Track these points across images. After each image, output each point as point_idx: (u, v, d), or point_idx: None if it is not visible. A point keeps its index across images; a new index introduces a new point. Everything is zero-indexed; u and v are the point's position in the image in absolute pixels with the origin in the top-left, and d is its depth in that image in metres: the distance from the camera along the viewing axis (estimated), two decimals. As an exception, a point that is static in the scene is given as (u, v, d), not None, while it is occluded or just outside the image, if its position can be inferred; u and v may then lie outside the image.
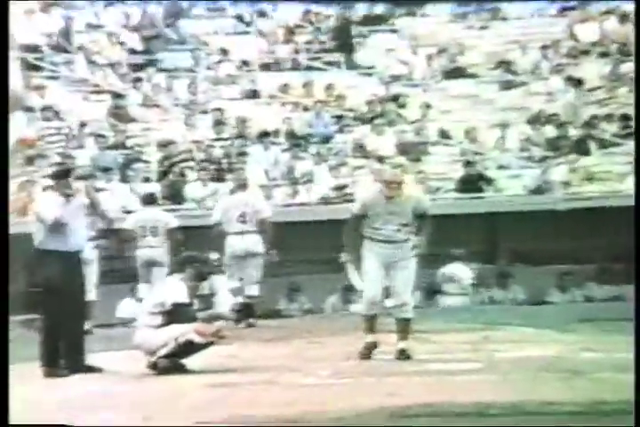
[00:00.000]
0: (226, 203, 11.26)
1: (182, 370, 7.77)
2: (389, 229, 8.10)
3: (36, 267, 7.99)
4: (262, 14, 19.00)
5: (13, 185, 12.47)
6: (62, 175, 8.15)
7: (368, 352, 8.10)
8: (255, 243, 10.91)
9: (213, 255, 8.19)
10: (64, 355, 7.94)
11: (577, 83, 17.17)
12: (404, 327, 8.16)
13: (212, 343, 7.79)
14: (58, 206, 7.93)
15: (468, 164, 15.34)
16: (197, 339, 7.71)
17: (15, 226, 8.48)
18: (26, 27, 16.74)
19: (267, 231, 10.96)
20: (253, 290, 10.94)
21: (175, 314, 7.73)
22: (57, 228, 7.86)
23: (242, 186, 11.33)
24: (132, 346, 7.92)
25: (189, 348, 7.76)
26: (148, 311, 7.83)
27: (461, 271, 14.00)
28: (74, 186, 8.08)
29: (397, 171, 8.65)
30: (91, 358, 8.01)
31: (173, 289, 7.83)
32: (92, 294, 9.80)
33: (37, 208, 8.12)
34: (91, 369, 7.90)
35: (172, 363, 7.75)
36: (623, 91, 17.25)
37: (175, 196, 14.39)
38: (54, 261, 7.87)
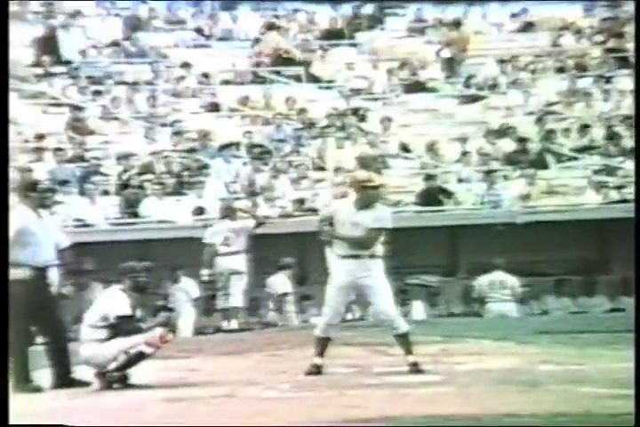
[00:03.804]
0: (214, 228, 12.94)
1: (134, 385, 7.70)
2: (353, 242, 7.87)
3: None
4: (223, 27, 19.02)
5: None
6: (30, 189, 8.09)
7: (314, 373, 7.92)
8: (238, 262, 12.70)
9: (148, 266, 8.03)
10: (51, 369, 7.86)
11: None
12: (404, 341, 7.94)
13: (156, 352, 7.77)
14: (26, 219, 7.85)
15: (428, 177, 15.41)
16: (148, 350, 7.66)
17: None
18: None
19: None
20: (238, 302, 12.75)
21: (119, 327, 7.67)
22: (23, 240, 7.78)
23: (230, 214, 12.98)
24: (80, 361, 7.84)
25: (139, 359, 7.70)
26: (92, 325, 7.75)
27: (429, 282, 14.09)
28: (42, 199, 8.02)
29: (371, 174, 8.34)
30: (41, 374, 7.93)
31: (115, 301, 7.77)
32: None
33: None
34: (78, 383, 7.81)
35: (121, 376, 7.69)
36: (580, 106, 17.45)
37: (133, 209, 14.32)
38: (21, 274, 7.79)
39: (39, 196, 8.03)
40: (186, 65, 17.66)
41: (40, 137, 15.44)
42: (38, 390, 7.74)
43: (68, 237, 8.26)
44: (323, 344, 8.01)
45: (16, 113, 15.88)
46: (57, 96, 16.64)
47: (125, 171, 14.93)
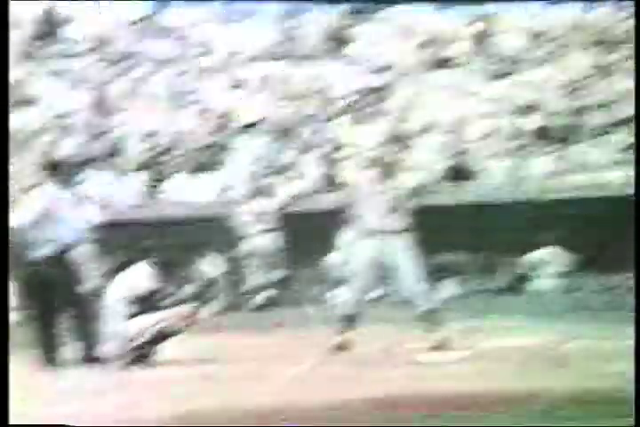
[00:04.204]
0: (243, 209, 13.16)
1: (161, 361, 7.71)
2: (379, 217, 7.90)
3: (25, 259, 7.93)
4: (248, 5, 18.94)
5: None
6: (54, 166, 8.11)
7: (342, 350, 7.92)
8: (267, 241, 12.94)
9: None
10: (76, 346, 7.90)
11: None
12: (428, 319, 7.88)
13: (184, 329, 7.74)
14: (51, 197, 7.86)
15: (455, 154, 15.33)
16: (175, 326, 7.65)
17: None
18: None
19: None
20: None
21: (146, 302, 7.67)
22: (47, 218, 7.81)
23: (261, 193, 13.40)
24: (106, 337, 7.85)
25: (165, 336, 7.70)
26: (118, 301, 7.76)
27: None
28: (66, 177, 8.04)
29: (391, 152, 8.45)
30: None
31: (142, 277, 7.78)
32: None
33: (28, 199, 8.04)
34: (103, 360, 7.83)
35: (148, 353, 7.70)
36: (610, 80, 17.25)
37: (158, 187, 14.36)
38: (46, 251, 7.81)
39: (64, 173, 8.04)
40: (211, 42, 17.61)
41: (65, 114, 15.48)
42: (64, 364, 7.78)
43: (98, 214, 8.26)
44: (350, 321, 7.98)
45: (42, 90, 15.96)
46: (82, 73, 16.64)
47: (151, 149, 14.94)
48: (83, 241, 8.09)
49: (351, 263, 8.06)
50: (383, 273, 8.02)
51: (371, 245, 7.88)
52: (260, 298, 12.82)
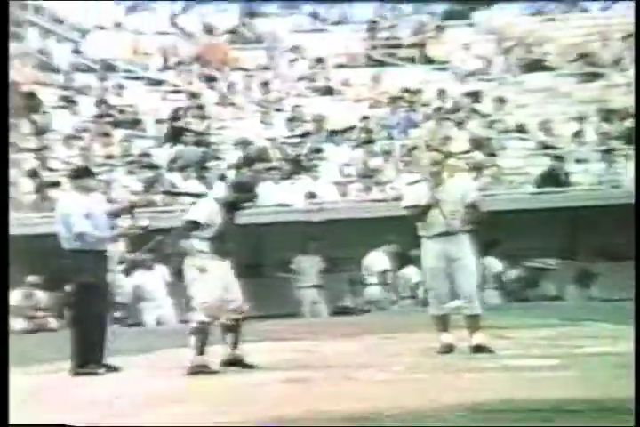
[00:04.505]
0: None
1: (249, 365, 7.78)
2: (440, 219, 8.00)
3: (69, 265, 7.97)
4: (338, 10, 19.03)
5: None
6: (82, 174, 8.21)
7: (446, 352, 8.04)
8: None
9: None
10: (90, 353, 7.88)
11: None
12: (473, 323, 8.06)
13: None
14: (83, 203, 7.97)
15: (545, 158, 15.16)
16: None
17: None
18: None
19: None
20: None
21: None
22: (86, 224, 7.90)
23: None
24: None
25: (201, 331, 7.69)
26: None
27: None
28: (92, 183, 8.12)
29: (436, 153, 8.51)
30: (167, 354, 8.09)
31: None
32: None
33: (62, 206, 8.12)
34: (109, 368, 7.86)
35: (236, 357, 7.76)
36: None
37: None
38: (86, 258, 7.86)
39: (89, 180, 8.09)
40: (300, 49, 17.76)
41: (159, 123, 15.79)
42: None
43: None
44: (443, 322, 8.10)
45: (138, 100, 16.32)
46: (176, 83, 16.97)
47: (243, 157, 15.14)
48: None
49: (423, 265, 8.20)
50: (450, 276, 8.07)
51: (437, 247, 8.00)
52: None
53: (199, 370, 7.65)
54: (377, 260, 13.59)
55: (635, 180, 13.19)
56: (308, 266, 13.89)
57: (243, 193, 7.89)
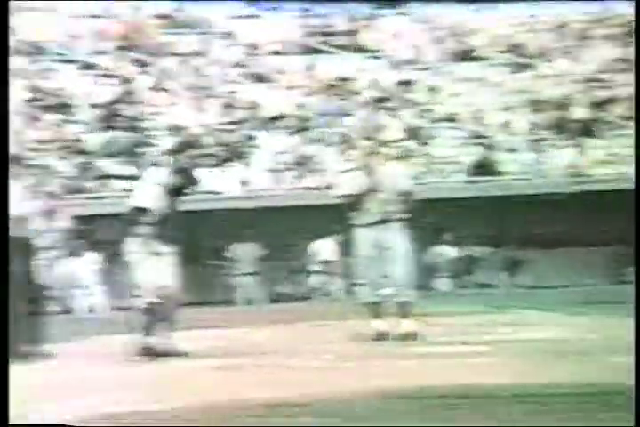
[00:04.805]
0: None
1: (182, 353, 7.77)
2: (374, 208, 8.07)
3: None
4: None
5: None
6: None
7: (379, 339, 8.12)
8: None
9: None
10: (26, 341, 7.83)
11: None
12: (404, 310, 8.16)
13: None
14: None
15: (476, 147, 15.34)
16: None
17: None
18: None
19: None
20: None
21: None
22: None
23: None
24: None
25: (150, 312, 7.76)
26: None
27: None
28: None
29: (372, 143, 8.60)
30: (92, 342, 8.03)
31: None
32: None
33: None
34: (42, 355, 7.82)
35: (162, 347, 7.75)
36: (629, 73, 17.18)
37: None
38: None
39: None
40: (234, 36, 17.69)
41: (92, 108, 15.62)
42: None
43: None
44: (375, 310, 8.17)
45: (69, 84, 16.11)
46: (108, 68, 16.78)
47: (176, 142, 15.04)
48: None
49: (356, 253, 8.27)
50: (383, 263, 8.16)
51: (372, 235, 8.07)
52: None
53: (147, 352, 7.66)
54: (323, 248, 13.67)
55: (635, 177, 13.38)
56: (244, 254, 13.89)
57: (186, 178, 7.89)
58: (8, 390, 5.73)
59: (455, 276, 14.13)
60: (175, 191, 7.84)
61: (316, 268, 13.77)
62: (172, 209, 7.81)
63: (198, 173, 8.47)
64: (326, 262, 13.66)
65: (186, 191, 7.91)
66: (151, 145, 15.13)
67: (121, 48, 17.15)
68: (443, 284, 13.93)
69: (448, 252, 14.05)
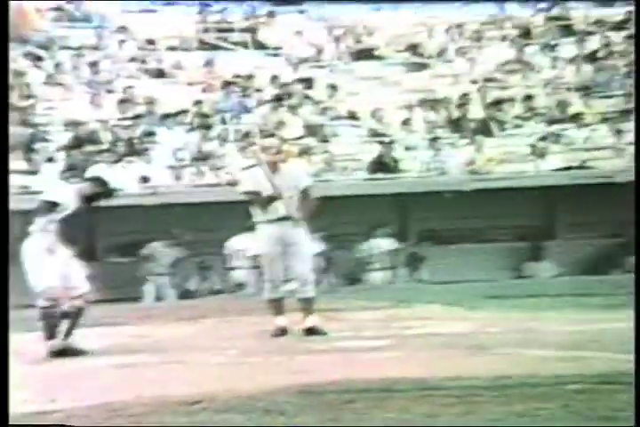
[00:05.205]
0: None
1: (81, 351, 7.62)
2: (277, 205, 8.06)
3: None
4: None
5: None
6: None
7: (280, 335, 8.10)
8: None
9: None
10: None
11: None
12: (307, 306, 8.18)
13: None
14: None
15: (376, 145, 15.44)
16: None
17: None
18: None
19: None
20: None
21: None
22: None
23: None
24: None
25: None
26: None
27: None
28: None
29: (273, 139, 8.66)
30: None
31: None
32: None
33: None
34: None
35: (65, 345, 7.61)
36: (524, 74, 17.54)
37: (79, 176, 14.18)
38: None
39: None
40: (130, 30, 17.43)
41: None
42: None
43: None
44: (277, 306, 8.16)
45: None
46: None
47: (72, 138, 14.76)
48: None
49: (259, 248, 8.27)
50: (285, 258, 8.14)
51: (274, 231, 8.08)
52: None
53: (47, 351, 7.55)
54: (241, 243, 13.56)
55: (634, 175, 13.55)
56: (153, 250, 13.74)
57: (101, 188, 7.78)
58: (8, 390, 5.56)
59: (355, 272, 14.19)
60: (88, 199, 7.72)
61: (237, 263, 13.66)
62: (80, 209, 7.68)
63: (113, 182, 8.36)
64: (245, 258, 13.58)
65: (98, 201, 7.79)
66: (46, 140, 14.80)
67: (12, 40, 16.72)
68: (340, 279, 13.98)
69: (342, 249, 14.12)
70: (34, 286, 7.62)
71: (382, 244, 14.24)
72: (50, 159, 14.45)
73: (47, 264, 7.58)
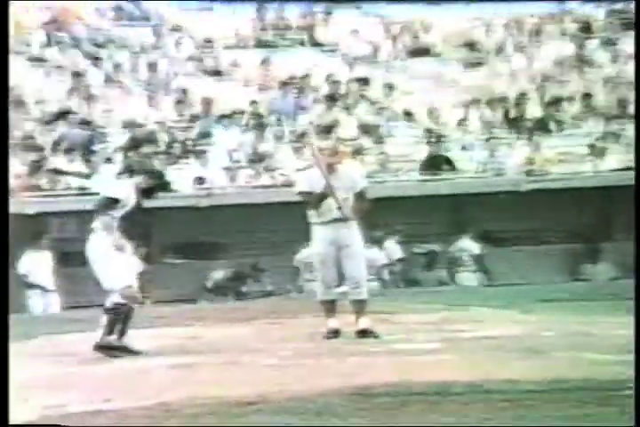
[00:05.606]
0: None
1: (136, 351, 7.70)
2: (332, 206, 8.06)
3: None
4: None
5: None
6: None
7: (332, 337, 8.11)
8: None
9: None
10: None
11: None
12: (360, 308, 8.17)
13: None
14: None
15: (430, 145, 15.36)
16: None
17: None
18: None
19: None
20: None
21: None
22: None
23: None
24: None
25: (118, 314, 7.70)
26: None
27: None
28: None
29: (333, 141, 8.64)
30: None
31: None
32: None
33: None
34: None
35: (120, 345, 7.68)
36: (585, 70, 17.32)
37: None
38: None
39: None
40: (188, 29, 17.55)
41: (42, 102, 15.40)
42: None
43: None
44: (330, 307, 8.15)
45: (19, 78, 15.87)
46: (60, 61, 16.56)
47: (130, 139, 14.86)
48: None
49: (312, 250, 8.28)
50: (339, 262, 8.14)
51: (327, 233, 8.08)
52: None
53: (105, 351, 7.62)
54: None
55: (635, 176, 13.47)
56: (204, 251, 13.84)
57: (156, 180, 7.89)
58: (8, 391, 5.64)
59: (410, 274, 14.16)
60: (145, 192, 7.81)
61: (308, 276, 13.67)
62: (139, 206, 7.78)
63: (168, 175, 8.46)
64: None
65: (155, 194, 7.89)
66: (104, 142, 14.97)
67: (73, 43, 16.93)
68: (395, 281, 13.95)
69: (400, 250, 14.07)
70: (108, 284, 7.65)
71: (469, 245, 14.14)
72: (108, 160, 14.61)
73: (121, 262, 7.62)
